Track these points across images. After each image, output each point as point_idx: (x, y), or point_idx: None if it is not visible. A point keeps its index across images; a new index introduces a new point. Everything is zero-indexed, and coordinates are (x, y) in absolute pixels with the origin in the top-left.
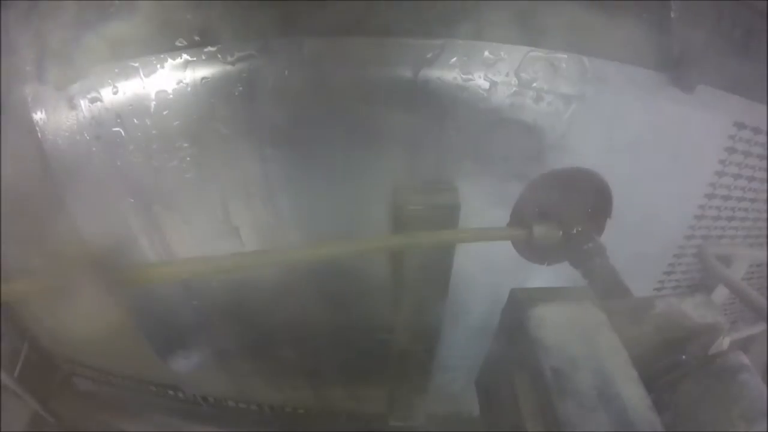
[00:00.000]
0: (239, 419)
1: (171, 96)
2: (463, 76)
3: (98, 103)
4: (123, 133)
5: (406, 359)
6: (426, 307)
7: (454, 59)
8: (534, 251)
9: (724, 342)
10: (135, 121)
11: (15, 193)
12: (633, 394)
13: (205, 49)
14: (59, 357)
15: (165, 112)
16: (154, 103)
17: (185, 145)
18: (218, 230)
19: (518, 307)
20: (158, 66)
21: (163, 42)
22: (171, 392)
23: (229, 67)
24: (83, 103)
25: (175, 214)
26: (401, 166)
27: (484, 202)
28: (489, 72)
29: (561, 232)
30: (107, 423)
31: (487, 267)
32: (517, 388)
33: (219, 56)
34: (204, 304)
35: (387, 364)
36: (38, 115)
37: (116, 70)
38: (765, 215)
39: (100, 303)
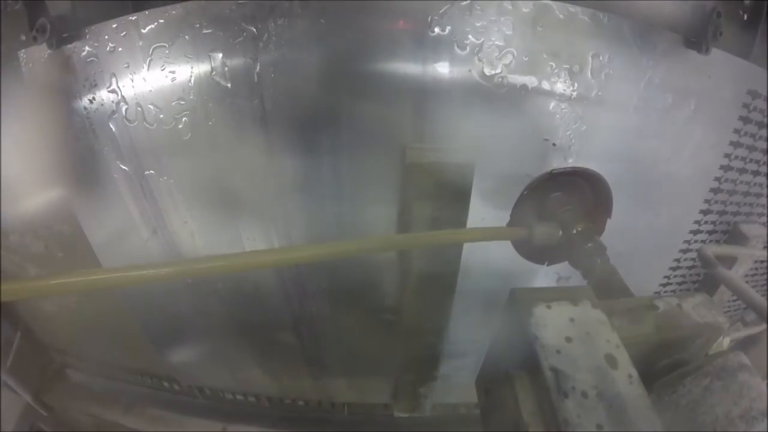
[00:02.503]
0: (235, 412)
1: (169, 50)
2: (463, 50)
3: (93, 62)
4: (118, 94)
5: (411, 347)
6: (432, 294)
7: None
8: (534, 251)
9: (724, 342)
10: (131, 79)
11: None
12: (633, 394)
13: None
14: (52, 348)
15: (162, 69)
16: (150, 59)
17: (182, 102)
18: (216, 198)
19: (518, 307)
20: (157, 18)
21: None
22: (166, 384)
23: (229, 14)
24: (77, 64)
25: (169, 182)
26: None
27: (485, 202)
28: (501, 27)
29: (561, 232)
30: (100, 415)
31: (491, 258)
32: (517, 388)
33: (220, 4)
34: (202, 289)
35: (392, 353)
36: (31, 76)
37: (114, 25)
38: None
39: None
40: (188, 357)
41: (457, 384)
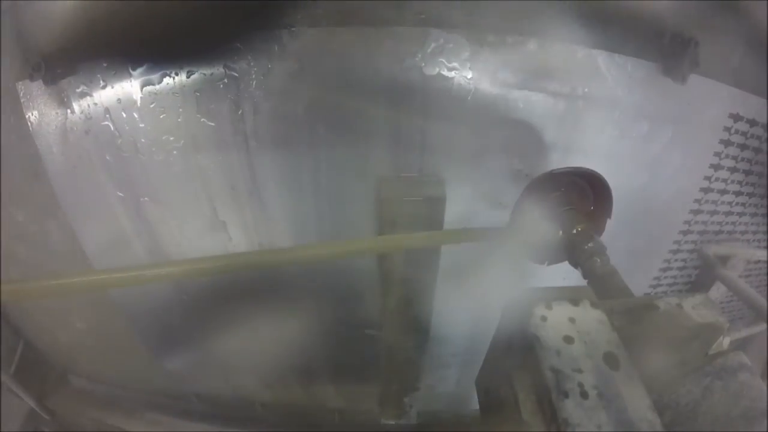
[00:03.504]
0: (232, 417)
1: (157, 89)
2: (449, 70)
3: (87, 97)
4: (111, 127)
5: (395, 356)
6: (414, 303)
7: (441, 50)
8: (534, 251)
9: (724, 342)
10: (123, 114)
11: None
12: (633, 394)
13: (191, 42)
14: (54, 361)
15: (152, 105)
16: (141, 96)
17: (171, 138)
18: (205, 225)
19: (518, 307)
20: (146, 62)
21: (149, 38)
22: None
23: (214, 60)
24: (72, 98)
25: (163, 208)
26: (391, 162)
27: (485, 202)
28: (477, 64)
29: (561, 232)
30: (101, 420)
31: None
32: (517, 388)
33: (203, 49)
34: (192, 300)
35: (377, 361)
36: (29, 111)
37: (104, 65)
38: (762, 210)
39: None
40: (183, 364)
41: (442, 393)
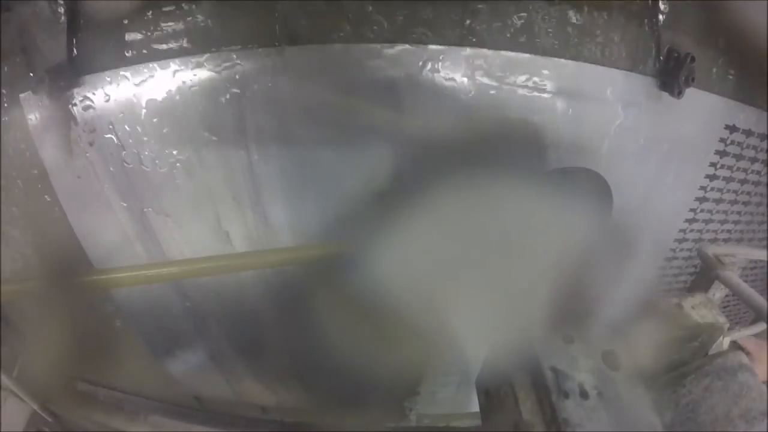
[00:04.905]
0: (235, 420)
1: (160, 103)
2: (447, 81)
3: (91, 110)
4: (115, 139)
5: (390, 363)
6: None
7: (435, 64)
8: None
9: (724, 342)
10: (126, 128)
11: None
12: (633, 394)
13: (193, 59)
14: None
15: (155, 120)
16: (144, 110)
17: (175, 151)
18: (208, 235)
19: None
20: (148, 75)
21: (153, 51)
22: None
23: (215, 75)
24: (76, 111)
25: (167, 219)
26: (392, 170)
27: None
28: (473, 78)
29: None
30: (105, 423)
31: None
32: (517, 388)
33: (206, 65)
34: (193, 307)
35: (373, 368)
36: (33, 122)
37: (107, 79)
38: (758, 218)
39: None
40: (185, 369)
41: (441, 398)
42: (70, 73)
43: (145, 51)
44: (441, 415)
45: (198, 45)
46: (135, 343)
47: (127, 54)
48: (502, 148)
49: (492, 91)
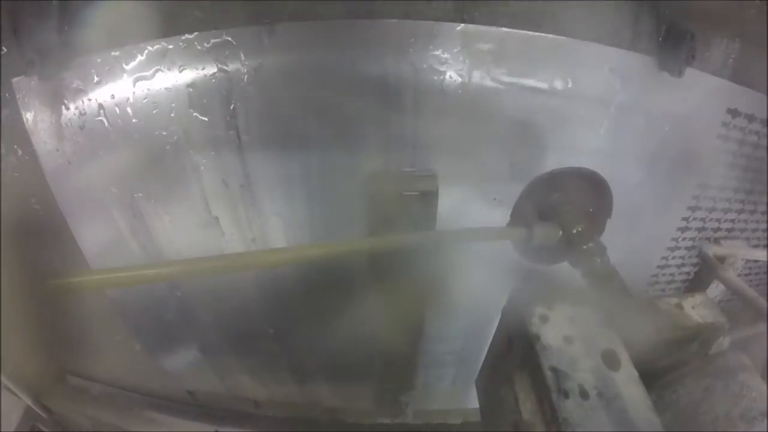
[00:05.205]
0: (228, 415)
1: (150, 84)
2: (441, 63)
3: (81, 93)
4: (105, 123)
5: (391, 355)
6: (408, 304)
7: (432, 43)
8: (534, 251)
9: (724, 342)
10: (116, 110)
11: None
12: (633, 394)
13: (183, 37)
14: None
15: (144, 101)
16: (134, 92)
17: (164, 133)
18: (198, 220)
19: (519, 307)
20: (138, 55)
21: (142, 30)
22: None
23: (205, 54)
24: (67, 94)
25: (156, 204)
26: (384, 157)
27: (484, 202)
28: (467, 54)
29: (561, 232)
30: (98, 418)
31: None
32: (517, 388)
33: (196, 43)
34: (187, 299)
35: (373, 360)
36: (25, 108)
37: (98, 60)
38: (762, 207)
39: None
40: (178, 363)
41: (439, 392)
42: (61, 55)
43: (135, 31)
44: (438, 412)
45: (188, 24)
46: (126, 335)
47: (116, 34)
48: (498, 130)
49: (485, 69)
